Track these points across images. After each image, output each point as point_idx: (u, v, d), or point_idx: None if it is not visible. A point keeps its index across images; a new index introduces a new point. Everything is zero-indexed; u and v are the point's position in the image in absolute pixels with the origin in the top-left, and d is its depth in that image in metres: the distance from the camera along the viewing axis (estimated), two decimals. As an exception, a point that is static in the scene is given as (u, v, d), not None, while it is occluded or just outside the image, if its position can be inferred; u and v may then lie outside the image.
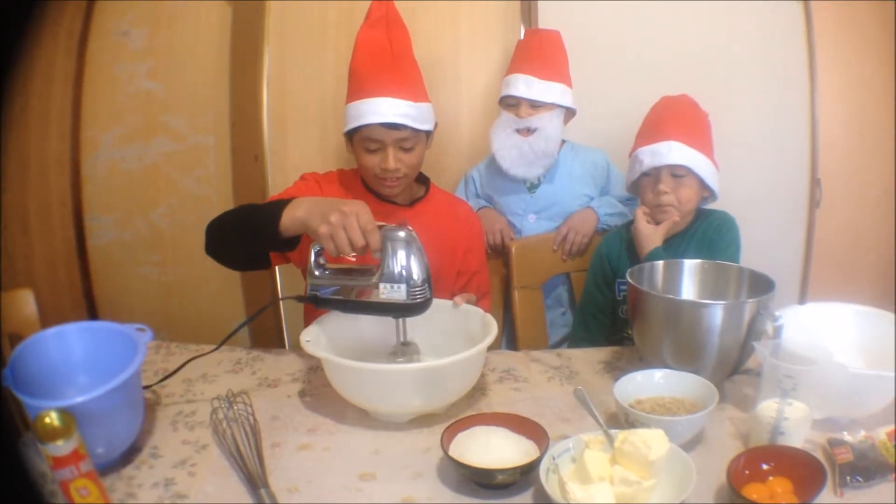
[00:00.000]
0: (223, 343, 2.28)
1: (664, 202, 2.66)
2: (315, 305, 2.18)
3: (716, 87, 3.64)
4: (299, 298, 2.23)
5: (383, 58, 2.53)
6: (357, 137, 2.55)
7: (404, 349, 2.18)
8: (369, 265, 2.08)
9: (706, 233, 2.73)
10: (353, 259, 2.06)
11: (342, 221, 1.97)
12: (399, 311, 2.08)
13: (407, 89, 2.50)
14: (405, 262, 2.01)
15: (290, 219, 2.11)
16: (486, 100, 3.61)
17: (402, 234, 2.02)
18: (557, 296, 3.34)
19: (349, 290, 2.10)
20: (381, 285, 2.03)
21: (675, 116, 2.71)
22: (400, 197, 2.66)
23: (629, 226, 2.84)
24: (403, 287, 2.02)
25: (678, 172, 2.64)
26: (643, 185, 2.76)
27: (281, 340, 3.84)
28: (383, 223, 2.04)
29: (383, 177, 2.54)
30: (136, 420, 1.84)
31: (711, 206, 2.85)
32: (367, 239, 1.98)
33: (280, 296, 3.80)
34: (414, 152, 2.55)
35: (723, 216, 2.79)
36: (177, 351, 2.47)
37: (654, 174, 2.69)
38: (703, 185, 2.69)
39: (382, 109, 2.46)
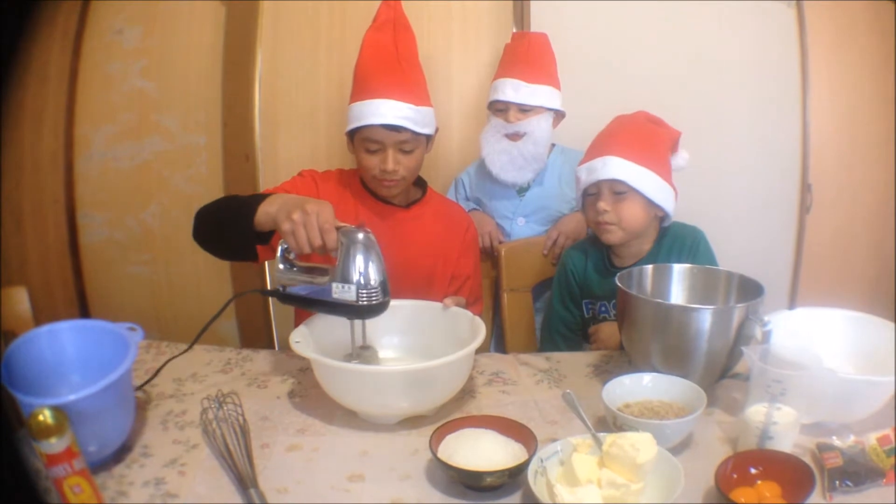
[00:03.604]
0: (195, 341, 2.29)
1: (603, 220, 2.56)
2: (279, 300, 2.21)
3: (707, 91, 3.68)
4: (262, 292, 2.25)
5: (388, 60, 2.55)
6: (358, 137, 2.56)
7: (361, 352, 2.19)
8: (330, 265, 2.09)
9: (680, 253, 2.64)
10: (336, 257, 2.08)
11: (303, 220, 2.00)
12: (351, 312, 2.08)
13: (409, 92, 2.52)
14: (360, 263, 2.01)
15: (264, 214, 2.15)
16: (477, 102, 3.62)
17: (359, 235, 2.02)
18: (547, 299, 3.34)
19: (309, 287, 2.13)
20: (334, 285, 2.04)
21: (618, 132, 2.62)
22: (397, 198, 2.67)
23: (593, 240, 2.81)
24: (353, 288, 2.01)
25: (618, 189, 2.53)
26: (587, 205, 2.66)
27: (270, 341, 3.84)
28: (343, 224, 2.05)
29: (382, 178, 2.55)
30: (128, 419, 1.85)
31: (676, 218, 2.70)
32: (323, 238, 2.00)
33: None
34: (413, 155, 2.57)
35: (693, 233, 2.70)
36: (167, 350, 2.47)
37: (595, 192, 2.60)
38: (651, 203, 2.57)
39: (384, 111, 2.48)
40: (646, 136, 2.60)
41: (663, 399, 1.96)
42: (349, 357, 2.18)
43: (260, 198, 2.20)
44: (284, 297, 2.19)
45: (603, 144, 2.60)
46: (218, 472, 1.77)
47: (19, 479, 1.52)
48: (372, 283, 2.02)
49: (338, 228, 2.02)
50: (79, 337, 1.92)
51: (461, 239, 2.81)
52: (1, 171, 3.64)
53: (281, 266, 2.16)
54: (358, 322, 2.16)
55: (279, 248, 2.15)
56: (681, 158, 2.64)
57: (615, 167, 2.51)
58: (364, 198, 2.65)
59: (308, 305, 2.16)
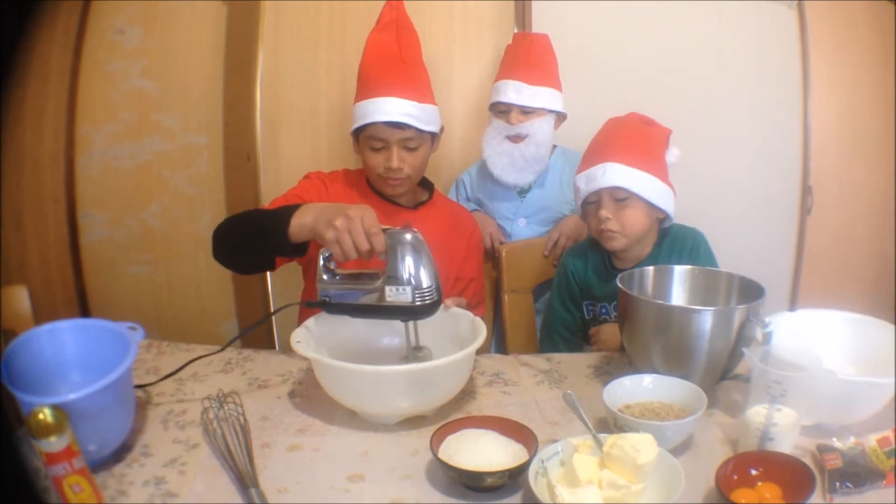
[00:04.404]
0: (228, 345, 2.32)
1: (606, 228, 2.55)
2: (325, 311, 2.17)
3: (708, 93, 3.67)
4: (309, 304, 2.23)
5: (391, 59, 2.58)
6: (363, 136, 2.58)
7: (416, 354, 2.16)
8: (377, 269, 2.08)
9: (680, 255, 2.64)
10: (379, 261, 2.06)
11: (347, 226, 1.99)
12: (406, 314, 2.07)
13: (413, 90, 2.54)
14: (411, 264, 2.01)
15: (299, 226, 2.14)
16: (478, 102, 3.62)
17: (407, 236, 2.01)
18: (547, 300, 3.34)
19: (358, 294, 2.10)
20: (387, 288, 2.02)
21: (614, 137, 2.60)
22: (404, 198, 2.70)
23: (593, 241, 2.78)
24: (409, 289, 2.01)
25: (619, 195, 2.52)
26: (588, 213, 2.66)
27: (271, 341, 3.84)
28: (389, 226, 2.04)
29: (387, 176, 2.57)
30: (128, 418, 1.85)
31: (676, 220, 2.70)
32: (371, 242, 1.99)
33: (271, 295, 3.81)
34: (418, 153, 2.58)
35: (693, 235, 2.70)
36: (167, 350, 2.47)
37: (596, 200, 2.59)
38: (652, 206, 2.56)
39: (388, 108, 2.50)
40: (642, 139, 2.59)
41: (664, 400, 1.96)
42: (405, 360, 2.17)
43: (288, 210, 2.19)
44: (332, 307, 2.16)
45: (600, 151, 2.59)
46: (218, 472, 1.77)
47: (19, 477, 1.52)
48: (425, 282, 2.02)
49: (384, 230, 2.01)
50: (79, 336, 1.91)
51: (466, 241, 2.83)
52: (1, 171, 3.64)
53: (325, 276, 2.14)
54: (411, 323, 2.14)
55: (320, 258, 2.13)
56: (672, 155, 2.62)
57: (615, 174, 2.51)
58: (371, 197, 2.66)
59: (358, 313, 2.14)
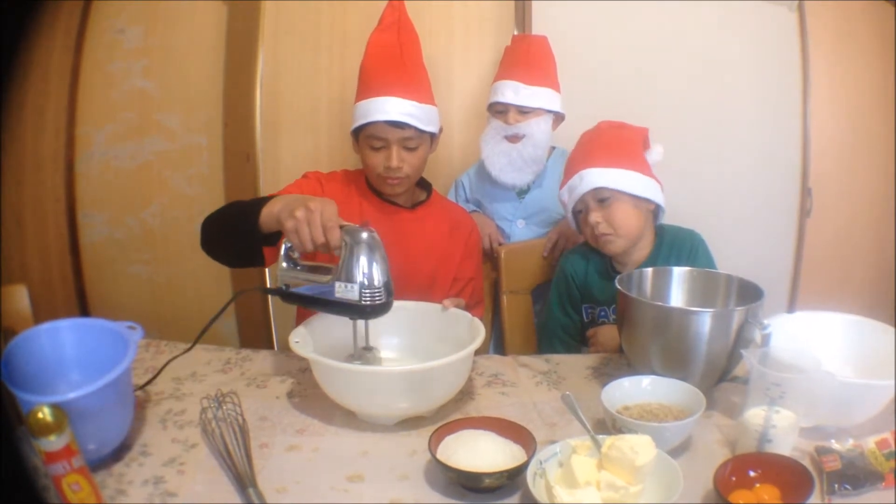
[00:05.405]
0: (196, 340, 2.30)
1: (600, 233, 2.57)
2: (281, 299, 2.18)
3: (708, 94, 3.67)
4: (265, 290, 2.22)
5: (392, 60, 2.57)
6: (362, 135, 2.58)
7: (364, 354, 2.16)
8: (334, 264, 2.06)
9: (679, 257, 2.63)
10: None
11: (306, 217, 1.97)
12: (354, 312, 2.05)
13: (413, 90, 2.54)
14: (363, 262, 1.98)
15: (268, 214, 2.13)
16: (478, 103, 3.60)
17: (363, 234, 1.98)
18: (545, 303, 3.34)
19: (313, 286, 2.10)
20: (337, 284, 2.00)
21: (588, 147, 2.64)
22: (402, 199, 2.69)
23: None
24: (356, 287, 1.98)
25: (602, 196, 2.55)
26: (581, 224, 2.68)
27: (270, 341, 3.84)
28: (347, 223, 2.02)
29: (386, 175, 2.56)
30: (127, 417, 1.85)
31: (675, 221, 2.75)
32: (326, 236, 1.98)
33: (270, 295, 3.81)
34: (417, 153, 2.58)
35: (690, 237, 2.70)
36: (166, 349, 2.47)
37: (582, 208, 2.62)
38: (638, 199, 2.57)
39: (388, 108, 2.49)
40: (612, 141, 2.61)
41: (662, 402, 1.96)
42: (351, 358, 2.16)
43: (264, 200, 2.19)
44: (287, 295, 2.16)
45: (575, 162, 2.64)
46: (217, 472, 1.77)
47: (18, 476, 1.52)
48: (375, 282, 1.99)
49: (342, 227, 1.99)
50: (78, 335, 1.92)
51: (464, 242, 2.82)
52: (2, 170, 3.64)
53: (284, 265, 2.14)
54: (361, 322, 2.13)
55: (282, 247, 2.12)
56: (655, 153, 2.63)
57: (592, 177, 2.54)
58: (369, 197, 2.67)
59: (311, 304, 2.13)
